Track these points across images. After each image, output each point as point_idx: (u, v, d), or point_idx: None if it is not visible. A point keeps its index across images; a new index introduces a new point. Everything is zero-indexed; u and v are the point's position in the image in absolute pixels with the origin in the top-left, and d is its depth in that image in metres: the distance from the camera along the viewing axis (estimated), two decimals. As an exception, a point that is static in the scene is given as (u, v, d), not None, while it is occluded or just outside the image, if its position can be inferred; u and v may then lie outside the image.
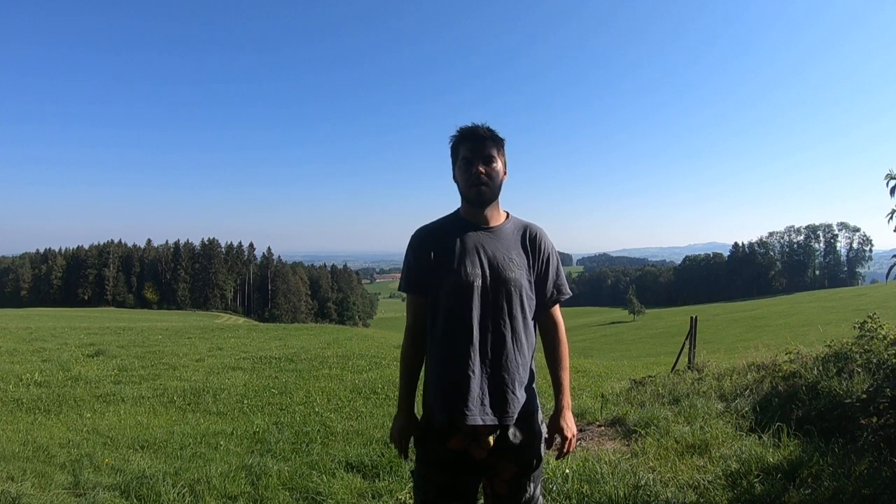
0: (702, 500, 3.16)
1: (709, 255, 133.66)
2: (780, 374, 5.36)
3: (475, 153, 1.88)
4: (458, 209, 1.98)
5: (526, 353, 1.88)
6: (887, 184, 3.09)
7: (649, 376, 7.25)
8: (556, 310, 1.99)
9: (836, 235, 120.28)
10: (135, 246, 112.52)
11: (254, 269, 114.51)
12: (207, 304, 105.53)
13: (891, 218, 3.12)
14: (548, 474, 3.47)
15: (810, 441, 3.79)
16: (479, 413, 1.81)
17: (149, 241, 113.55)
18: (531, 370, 1.92)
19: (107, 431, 5.45)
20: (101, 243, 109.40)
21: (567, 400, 1.94)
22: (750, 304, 72.12)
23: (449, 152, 1.97)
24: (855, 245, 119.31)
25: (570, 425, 1.92)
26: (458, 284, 1.84)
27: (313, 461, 4.20)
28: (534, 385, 1.93)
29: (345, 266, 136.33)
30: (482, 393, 1.82)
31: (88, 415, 6.23)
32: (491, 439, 1.83)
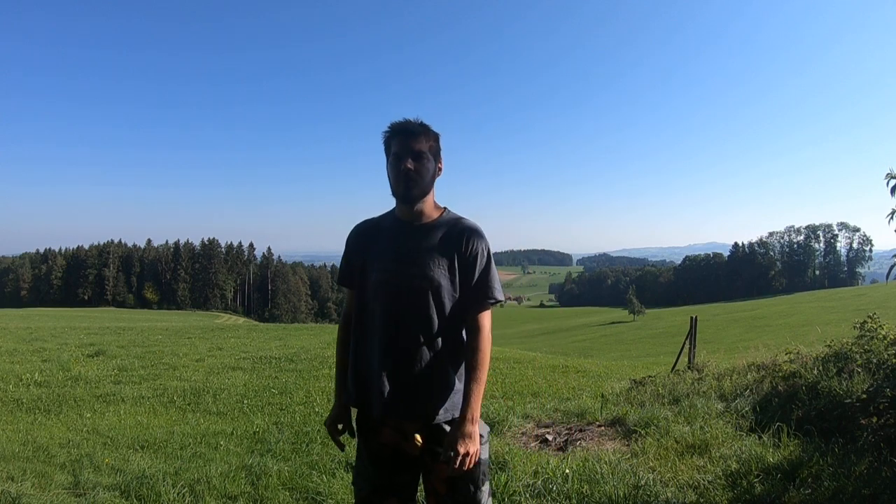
0: (702, 500, 3.16)
1: (709, 255, 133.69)
2: (780, 374, 5.36)
3: (404, 149, 1.83)
4: (395, 206, 1.95)
5: (444, 355, 1.82)
6: (887, 183, 3.10)
7: (649, 376, 7.24)
8: (483, 316, 1.85)
9: (836, 235, 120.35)
10: (135, 246, 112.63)
11: (254, 269, 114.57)
12: (207, 304, 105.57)
13: (891, 218, 3.12)
14: (548, 474, 3.47)
15: (810, 441, 3.79)
16: (380, 409, 1.80)
17: (149, 241, 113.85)
18: (461, 372, 1.85)
19: (107, 431, 5.45)
20: (101, 243, 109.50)
21: (471, 412, 1.75)
22: (750, 304, 72.15)
23: (383, 149, 1.91)
24: (855, 245, 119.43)
25: (465, 440, 1.73)
26: (375, 281, 1.84)
27: (313, 461, 4.20)
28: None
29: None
30: (390, 389, 1.79)
31: (88, 415, 6.23)
32: (418, 437, 1.80)
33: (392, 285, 1.82)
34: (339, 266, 2.04)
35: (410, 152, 1.82)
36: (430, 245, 1.84)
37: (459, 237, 1.85)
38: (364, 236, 1.95)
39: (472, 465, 1.76)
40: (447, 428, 1.81)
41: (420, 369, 1.79)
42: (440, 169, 1.91)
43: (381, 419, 1.83)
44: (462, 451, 1.72)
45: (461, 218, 1.93)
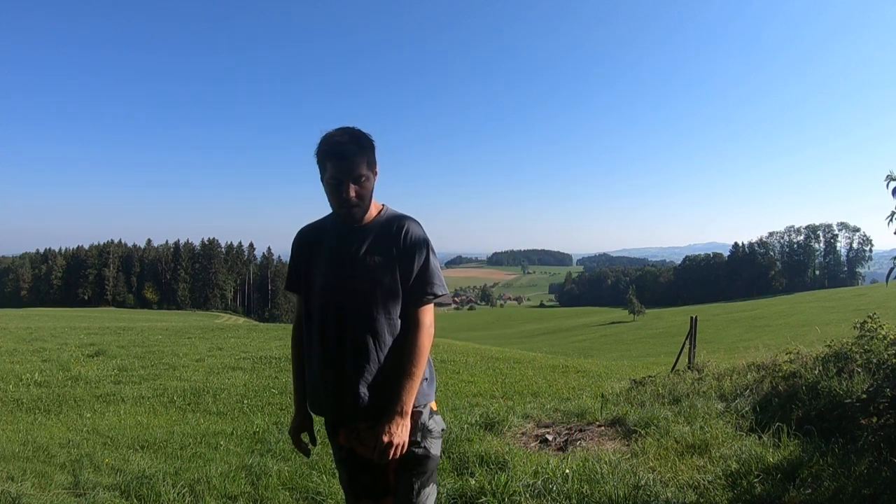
0: (702, 500, 3.16)
1: (709, 255, 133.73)
2: (780, 374, 5.36)
3: (344, 174, 1.77)
4: None
5: (387, 352, 1.82)
6: (887, 185, 3.09)
7: (649, 376, 7.25)
8: (423, 311, 1.84)
9: (836, 235, 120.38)
10: (135, 246, 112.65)
11: (254, 269, 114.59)
12: (207, 304, 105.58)
13: (891, 220, 3.11)
14: (548, 474, 3.47)
15: (810, 441, 3.78)
16: (334, 412, 1.85)
17: (149, 241, 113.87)
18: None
19: (107, 431, 5.45)
20: (101, 243, 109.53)
21: (401, 406, 1.75)
22: (750, 304, 72.17)
23: (315, 159, 1.85)
24: (855, 245, 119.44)
25: (392, 432, 1.73)
26: (319, 284, 1.86)
27: (313, 461, 4.19)
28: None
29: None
30: (340, 392, 1.80)
31: (88, 415, 6.23)
32: (372, 435, 1.79)
33: (336, 288, 1.82)
34: (288, 266, 2.05)
35: (350, 177, 1.77)
36: (370, 245, 1.84)
37: (398, 234, 1.84)
38: (308, 241, 1.95)
39: (396, 457, 1.76)
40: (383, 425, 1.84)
41: (368, 369, 1.80)
42: (376, 173, 1.87)
43: (336, 423, 1.88)
44: (387, 440, 1.72)
45: (399, 214, 1.92)
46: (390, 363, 1.82)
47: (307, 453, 2.04)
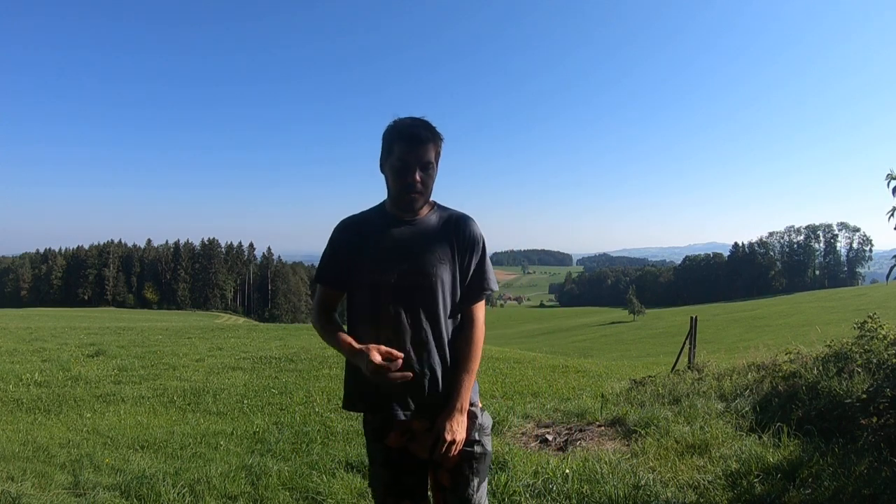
0: (702, 500, 3.16)
1: (709, 255, 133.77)
2: (780, 374, 5.36)
3: (413, 158, 1.75)
4: (384, 201, 1.90)
5: (447, 350, 1.81)
6: (888, 184, 3.10)
7: (649, 376, 7.25)
8: (477, 307, 1.87)
9: (836, 235, 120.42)
10: (135, 246, 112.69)
11: (254, 269, 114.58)
12: (207, 304, 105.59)
13: (891, 216, 3.12)
14: (548, 474, 3.47)
15: (810, 441, 3.78)
16: (401, 409, 1.77)
17: (149, 241, 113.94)
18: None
19: (107, 431, 5.45)
20: (101, 243, 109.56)
21: (460, 403, 1.77)
22: (750, 304, 72.18)
23: (381, 141, 1.82)
24: (855, 245, 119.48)
25: (453, 429, 1.74)
26: (376, 281, 1.78)
27: (313, 461, 4.20)
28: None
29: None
30: (402, 391, 1.76)
31: (88, 415, 6.23)
32: (428, 435, 1.78)
33: (397, 284, 1.77)
34: (320, 262, 1.91)
35: (419, 163, 1.76)
36: (430, 240, 1.81)
37: (456, 230, 1.84)
38: (353, 233, 1.86)
39: (456, 454, 1.76)
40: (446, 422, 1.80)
41: (436, 366, 1.78)
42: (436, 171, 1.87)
43: (390, 419, 1.80)
44: (448, 438, 1.72)
45: (454, 211, 1.90)
46: (448, 360, 1.81)
47: (389, 368, 1.68)
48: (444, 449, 1.73)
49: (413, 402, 1.78)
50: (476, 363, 1.83)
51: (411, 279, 1.78)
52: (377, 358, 1.66)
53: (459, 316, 1.86)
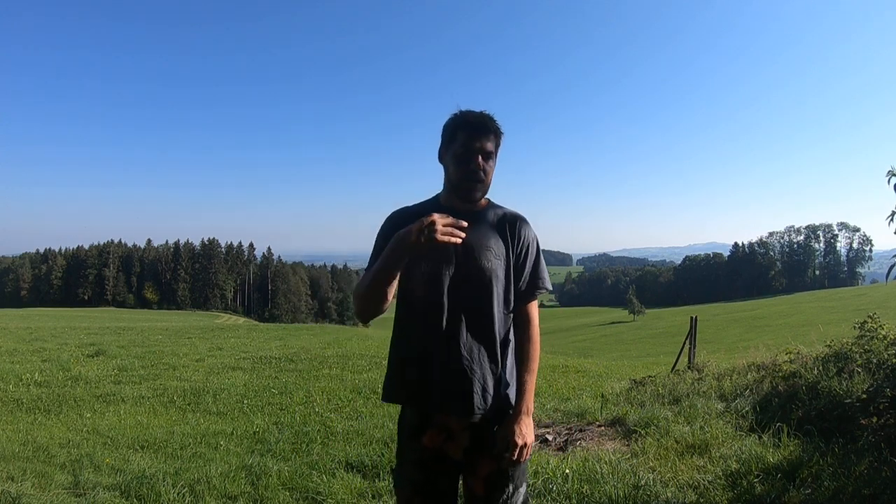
0: (702, 500, 3.16)
1: (709, 255, 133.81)
2: (780, 374, 5.36)
3: (477, 145, 1.74)
4: (438, 194, 1.87)
5: (498, 347, 1.77)
6: (889, 181, 3.09)
7: (649, 376, 7.25)
8: (532, 305, 1.85)
9: (836, 235, 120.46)
10: (135, 246, 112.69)
11: (254, 269, 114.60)
12: (207, 304, 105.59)
13: (891, 220, 3.11)
14: (548, 474, 3.47)
15: (810, 441, 3.79)
16: (443, 407, 1.73)
17: (149, 241, 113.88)
18: (511, 365, 1.82)
19: (107, 431, 5.45)
20: (101, 243, 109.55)
21: (526, 405, 1.75)
22: (750, 304, 72.18)
23: (441, 130, 1.82)
24: (855, 245, 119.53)
25: (523, 432, 1.72)
26: (427, 273, 1.74)
27: (313, 461, 4.20)
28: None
29: (345, 266, 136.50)
30: (449, 387, 1.71)
31: (88, 415, 6.23)
32: (466, 436, 1.75)
33: (450, 277, 1.74)
34: (372, 255, 1.79)
35: (482, 151, 1.75)
36: (486, 236, 1.78)
37: (512, 227, 1.82)
38: (405, 224, 1.72)
39: (528, 457, 1.75)
40: (490, 425, 1.76)
41: (485, 364, 1.74)
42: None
43: (428, 417, 1.76)
44: (520, 442, 1.71)
45: (510, 209, 1.88)
46: (500, 358, 1.77)
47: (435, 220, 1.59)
48: (516, 455, 1.71)
49: (459, 401, 1.72)
50: (537, 363, 1.82)
51: (465, 272, 1.74)
52: (434, 216, 1.57)
53: (513, 315, 1.83)
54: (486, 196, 1.87)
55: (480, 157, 1.75)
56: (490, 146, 1.77)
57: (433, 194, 1.91)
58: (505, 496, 1.78)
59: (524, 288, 1.83)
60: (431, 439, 1.76)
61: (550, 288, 1.90)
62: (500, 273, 1.77)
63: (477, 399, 1.73)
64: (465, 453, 1.77)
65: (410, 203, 1.91)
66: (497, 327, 1.77)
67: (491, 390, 1.75)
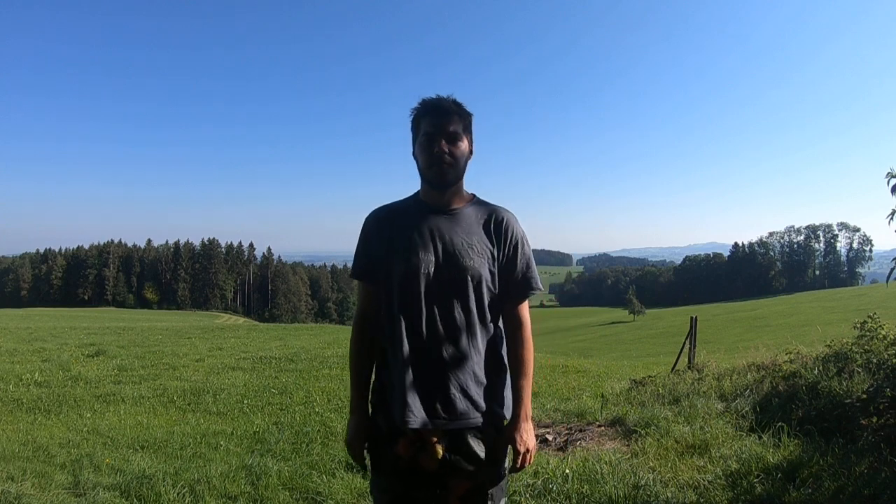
0: (702, 500, 3.16)
1: (709, 255, 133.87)
2: (780, 374, 5.36)
3: (438, 129, 1.67)
4: (418, 191, 1.79)
5: (482, 351, 1.69)
6: (888, 182, 3.10)
7: (649, 376, 7.25)
8: (523, 307, 1.76)
9: (836, 235, 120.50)
10: (135, 246, 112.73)
11: (254, 269, 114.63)
12: (207, 304, 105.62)
13: (891, 219, 3.12)
14: (548, 474, 3.47)
15: (810, 441, 3.79)
16: (420, 416, 1.61)
17: (149, 241, 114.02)
18: (497, 370, 1.72)
19: (107, 431, 5.45)
20: (101, 243, 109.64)
21: (525, 410, 1.69)
22: (750, 304, 72.16)
23: (410, 126, 1.76)
24: (855, 245, 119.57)
25: (524, 439, 1.67)
26: (407, 273, 1.65)
27: (313, 461, 4.20)
28: (504, 387, 1.74)
29: (345, 266, 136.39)
30: (427, 394, 1.62)
31: (88, 415, 6.23)
32: (440, 448, 1.63)
33: (431, 278, 1.65)
34: (354, 256, 1.79)
35: (444, 133, 1.67)
36: (469, 234, 1.70)
37: (498, 225, 1.73)
38: (387, 224, 1.73)
39: (531, 462, 1.71)
40: (469, 436, 1.65)
41: (467, 369, 1.65)
42: (471, 152, 1.76)
43: (407, 426, 1.63)
44: (522, 448, 1.66)
45: (496, 205, 1.79)
46: (484, 363, 1.69)
47: (363, 464, 1.79)
48: (520, 462, 1.67)
49: (441, 411, 1.63)
50: (532, 367, 1.74)
51: (447, 273, 1.66)
52: (351, 442, 1.76)
53: (502, 317, 1.75)
54: (472, 192, 1.81)
55: (444, 140, 1.67)
56: (454, 127, 1.68)
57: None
58: (492, 500, 1.70)
59: (513, 289, 1.74)
60: (405, 448, 1.66)
61: (541, 288, 1.81)
62: (485, 273, 1.69)
63: (458, 409, 1.63)
64: (443, 467, 1.65)
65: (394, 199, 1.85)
66: (484, 330, 1.70)
67: (477, 398, 1.66)
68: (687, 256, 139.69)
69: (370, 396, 1.77)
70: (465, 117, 1.73)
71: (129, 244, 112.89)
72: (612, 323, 68.25)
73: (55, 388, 7.49)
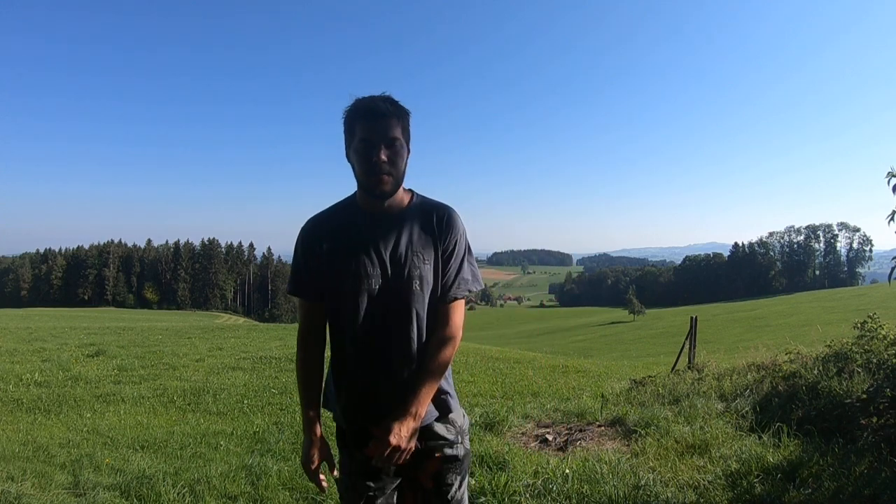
0: (702, 500, 3.16)
1: (709, 255, 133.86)
2: (780, 374, 5.36)
3: (376, 134, 1.57)
4: (354, 193, 1.71)
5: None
6: (888, 181, 3.10)
7: (649, 376, 7.25)
8: (453, 306, 1.67)
9: (836, 235, 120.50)
10: (135, 246, 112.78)
11: (254, 269, 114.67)
12: (207, 304, 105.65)
13: (891, 219, 3.12)
14: (548, 474, 3.47)
15: (810, 441, 3.79)
16: (372, 419, 1.63)
17: (149, 241, 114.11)
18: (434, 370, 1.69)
19: (107, 431, 5.45)
20: (101, 243, 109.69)
21: (415, 408, 1.56)
22: (750, 304, 72.19)
23: (343, 128, 1.65)
24: (855, 245, 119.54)
25: (401, 434, 1.53)
26: (353, 283, 1.61)
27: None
28: (448, 381, 1.73)
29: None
30: (385, 397, 1.62)
31: (88, 415, 6.23)
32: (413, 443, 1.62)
33: (380, 285, 1.62)
34: (291, 271, 1.74)
35: (383, 139, 1.57)
36: (413, 236, 1.64)
37: (440, 221, 1.67)
38: (324, 233, 1.67)
39: (400, 462, 1.58)
40: (436, 426, 1.69)
41: (411, 371, 1.64)
42: (409, 151, 1.66)
43: (366, 429, 1.66)
44: (394, 442, 1.52)
45: (436, 202, 1.72)
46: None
47: (324, 487, 1.75)
48: (386, 453, 1.52)
49: (387, 413, 1.61)
50: (442, 367, 1.62)
51: (396, 279, 1.62)
52: (306, 464, 1.72)
53: (431, 316, 1.68)
54: (411, 189, 1.73)
55: (383, 147, 1.57)
56: (393, 132, 1.59)
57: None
58: (453, 490, 1.73)
59: (446, 286, 1.66)
60: (375, 449, 1.60)
61: (476, 288, 1.71)
62: (429, 276, 1.64)
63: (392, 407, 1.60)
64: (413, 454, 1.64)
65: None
66: (423, 333, 1.66)
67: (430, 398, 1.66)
68: (687, 256, 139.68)
69: (338, 402, 1.74)
70: (402, 118, 1.63)
71: (129, 244, 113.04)
72: (612, 323, 68.27)
73: (55, 388, 7.50)
